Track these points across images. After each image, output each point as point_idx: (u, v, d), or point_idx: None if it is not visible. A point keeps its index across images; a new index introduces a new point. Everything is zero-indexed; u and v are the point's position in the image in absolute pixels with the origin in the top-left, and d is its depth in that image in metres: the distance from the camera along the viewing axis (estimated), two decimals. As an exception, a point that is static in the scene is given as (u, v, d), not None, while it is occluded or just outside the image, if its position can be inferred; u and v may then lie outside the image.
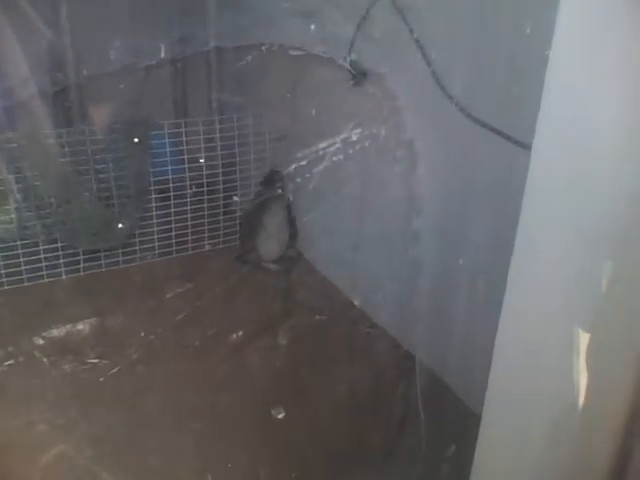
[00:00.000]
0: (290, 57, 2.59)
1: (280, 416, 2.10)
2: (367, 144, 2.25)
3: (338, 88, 2.47)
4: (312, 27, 2.44)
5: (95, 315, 2.54)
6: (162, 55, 3.00)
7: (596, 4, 0.84)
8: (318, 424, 2.05)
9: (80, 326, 2.50)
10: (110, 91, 2.92)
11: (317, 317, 2.56)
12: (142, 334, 2.42)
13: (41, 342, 2.40)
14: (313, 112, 2.61)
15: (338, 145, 2.27)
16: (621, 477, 0.97)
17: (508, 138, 1.69)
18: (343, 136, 2.26)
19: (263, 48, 2.68)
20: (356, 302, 2.56)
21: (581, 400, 0.95)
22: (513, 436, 1.05)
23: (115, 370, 2.25)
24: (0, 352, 2.30)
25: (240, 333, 2.45)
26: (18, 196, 2.62)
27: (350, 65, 2.38)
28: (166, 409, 2.10)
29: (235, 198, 3.10)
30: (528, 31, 1.49)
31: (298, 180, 2.61)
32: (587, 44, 0.86)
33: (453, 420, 1.79)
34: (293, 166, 2.44)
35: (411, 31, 2.01)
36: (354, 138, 2.26)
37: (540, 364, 1.00)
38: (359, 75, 2.37)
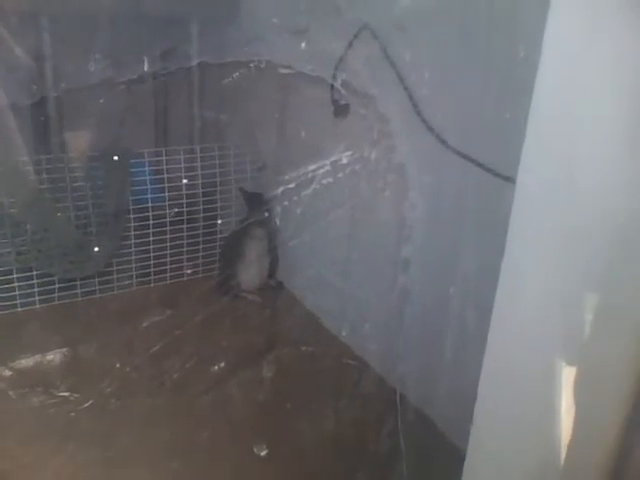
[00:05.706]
0: (278, 75, 2.66)
1: (263, 453, 2.12)
2: (357, 167, 2.31)
3: (326, 109, 2.54)
4: (302, 45, 2.51)
5: (67, 345, 2.55)
6: (145, 69, 3.05)
7: (582, 36, 0.89)
8: (301, 461, 2.07)
9: (50, 356, 2.51)
10: (89, 107, 2.96)
11: (299, 350, 2.59)
12: (117, 365, 2.43)
13: (8, 373, 2.39)
14: (302, 134, 2.67)
15: (327, 168, 2.33)
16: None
17: (488, 170, 1.74)
18: (332, 159, 2.31)
19: (251, 65, 2.74)
20: (339, 335, 2.62)
21: (567, 436, 1.00)
22: (498, 472, 1.09)
23: (87, 404, 2.25)
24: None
25: (221, 365, 2.47)
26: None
27: (341, 85, 2.44)
28: (142, 446, 2.09)
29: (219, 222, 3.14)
30: (514, 61, 1.55)
31: (278, 209, 2.68)
32: (573, 76, 0.91)
33: (438, 456, 1.82)
34: (273, 192, 2.49)
35: (392, 65, 2.08)
36: (344, 161, 2.31)
37: (526, 398, 1.04)
38: (341, 108, 2.42)
